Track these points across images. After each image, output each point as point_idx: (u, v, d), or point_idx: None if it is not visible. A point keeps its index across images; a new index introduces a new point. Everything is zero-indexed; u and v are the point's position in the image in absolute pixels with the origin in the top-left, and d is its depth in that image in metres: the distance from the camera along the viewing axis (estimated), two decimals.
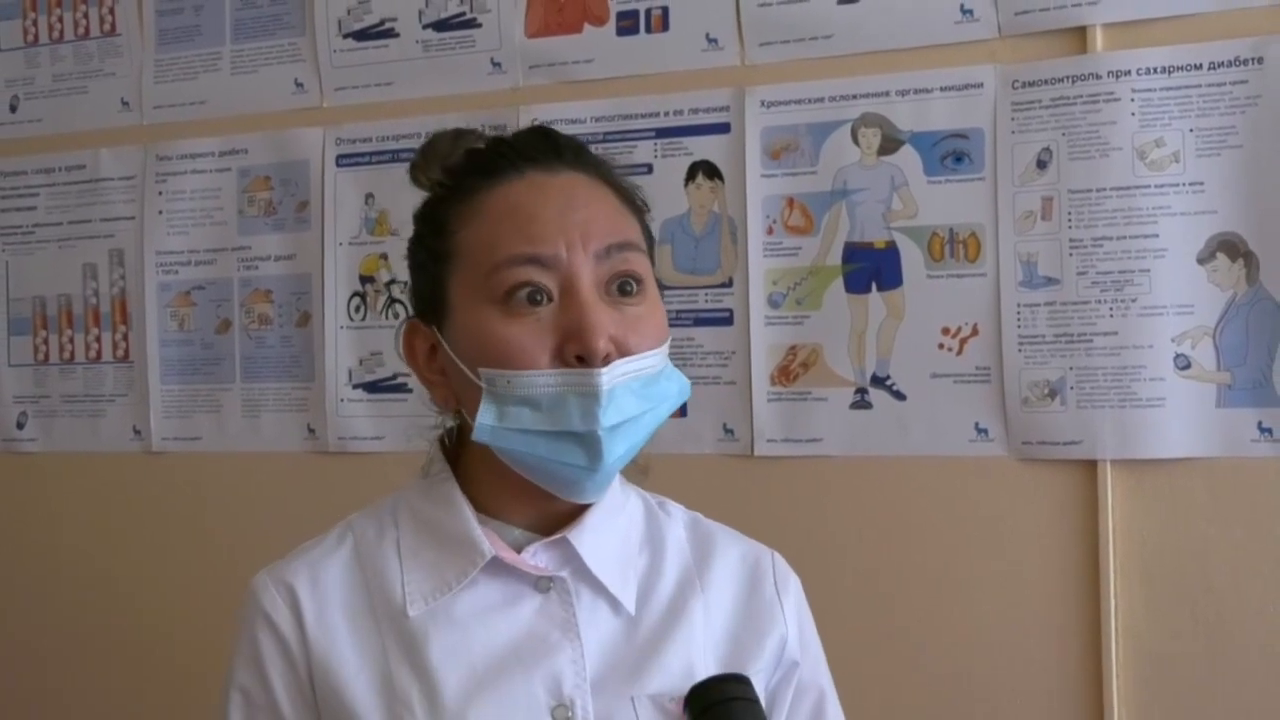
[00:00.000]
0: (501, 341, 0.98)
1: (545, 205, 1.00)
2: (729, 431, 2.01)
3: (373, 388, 2.21)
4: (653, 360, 1.00)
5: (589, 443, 0.98)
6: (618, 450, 0.99)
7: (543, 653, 1.01)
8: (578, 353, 0.96)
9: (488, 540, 1.02)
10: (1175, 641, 1.78)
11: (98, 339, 2.42)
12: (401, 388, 2.18)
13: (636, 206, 1.08)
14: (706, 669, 1.03)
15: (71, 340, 2.44)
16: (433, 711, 0.98)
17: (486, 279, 0.99)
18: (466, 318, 1.01)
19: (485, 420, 0.99)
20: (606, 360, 0.96)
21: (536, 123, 1.10)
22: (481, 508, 1.05)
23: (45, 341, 2.47)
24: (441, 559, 1.03)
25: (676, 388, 1.03)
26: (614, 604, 1.04)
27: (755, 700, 0.84)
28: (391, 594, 1.03)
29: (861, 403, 1.94)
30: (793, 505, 1.96)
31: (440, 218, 1.05)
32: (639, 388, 0.99)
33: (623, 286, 1.00)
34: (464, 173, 1.05)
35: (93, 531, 2.40)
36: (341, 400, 2.23)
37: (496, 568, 1.02)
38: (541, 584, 1.03)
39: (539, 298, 0.98)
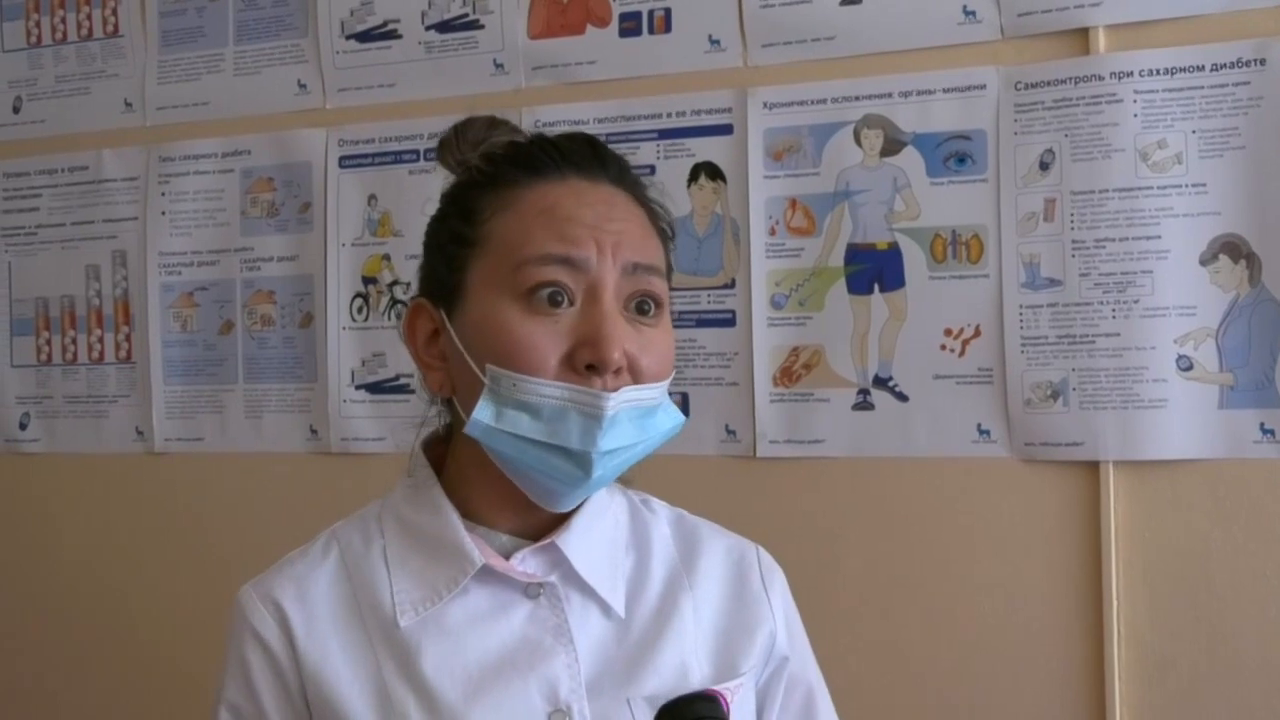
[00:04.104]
0: (514, 339, 0.96)
1: (584, 210, 0.99)
2: (731, 433, 2.01)
3: (375, 389, 2.22)
4: (656, 393, 1.00)
5: (581, 462, 0.96)
6: (607, 476, 0.99)
7: (537, 659, 1.00)
8: (590, 360, 0.95)
9: (477, 548, 1.01)
10: (1177, 643, 1.78)
11: (100, 340, 2.42)
12: (404, 389, 2.18)
13: (664, 233, 1.07)
14: (699, 667, 1.03)
15: (74, 341, 2.45)
16: None
17: (513, 273, 0.97)
18: (482, 309, 0.98)
19: (481, 417, 0.97)
20: (618, 373, 0.96)
21: (539, 127, 1.09)
22: (468, 513, 1.04)
23: (48, 342, 2.47)
24: (430, 567, 1.02)
25: (670, 423, 1.02)
26: (604, 607, 1.04)
27: (724, 719, 0.84)
28: (381, 604, 1.02)
29: (864, 404, 1.94)
30: (795, 507, 1.95)
31: (471, 202, 1.03)
32: (638, 417, 0.98)
33: (640, 305, 0.99)
34: (503, 162, 1.03)
35: (95, 532, 2.40)
36: (344, 401, 2.23)
37: (486, 575, 1.01)
38: (531, 590, 1.02)
39: (560, 299, 0.96)
